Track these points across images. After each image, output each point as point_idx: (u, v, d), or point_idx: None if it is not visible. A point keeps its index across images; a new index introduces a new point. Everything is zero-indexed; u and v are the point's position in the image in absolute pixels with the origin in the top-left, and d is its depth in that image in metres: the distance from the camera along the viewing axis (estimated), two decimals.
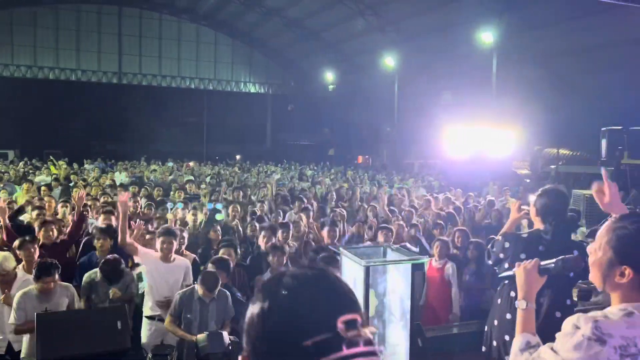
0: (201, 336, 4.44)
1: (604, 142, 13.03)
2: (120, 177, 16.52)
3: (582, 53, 20.24)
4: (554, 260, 2.02)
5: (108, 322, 4.50)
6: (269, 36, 35.44)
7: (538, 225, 3.79)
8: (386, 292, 4.44)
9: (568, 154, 21.69)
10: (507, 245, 3.74)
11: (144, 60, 35.85)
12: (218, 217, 7.53)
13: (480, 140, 17.02)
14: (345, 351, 0.87)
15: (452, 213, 9.09)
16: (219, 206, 7.69)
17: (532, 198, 3.90)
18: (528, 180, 19.75)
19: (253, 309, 0.97)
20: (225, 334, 4.43)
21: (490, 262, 3.97)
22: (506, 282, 3.82)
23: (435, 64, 25.28)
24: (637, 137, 12.63)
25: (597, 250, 1.73)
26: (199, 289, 4.70)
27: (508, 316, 3.71)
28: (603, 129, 13.24)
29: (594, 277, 1.75)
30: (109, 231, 5.77)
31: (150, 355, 4.49)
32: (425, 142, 25.23)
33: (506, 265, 3.70)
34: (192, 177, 16.51)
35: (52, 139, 30.75)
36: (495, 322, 3.84)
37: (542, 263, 2.03)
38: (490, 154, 17.10)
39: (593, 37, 18.94)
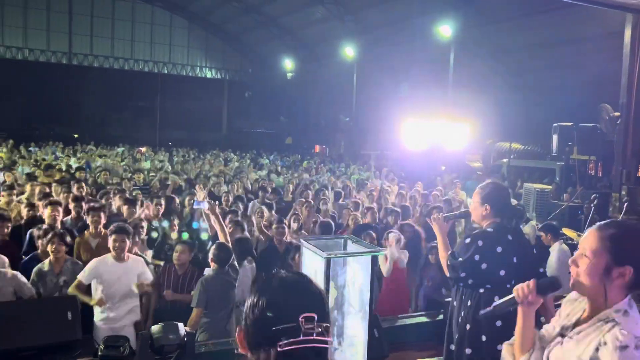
0: (156, 327, 4.34)
1: (555, 138, 13.39)
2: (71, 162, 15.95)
3: (537, 49, 20.76)
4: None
5: (58, 312, 4.33)
6: (226, 21, 34.85)
7: (489, 220, 3.65)
8: (346, 284, 4.44)
9: (520, 148, 22.24)
10: (480, 243, 3.54)
11: (96, 41, 34.64)
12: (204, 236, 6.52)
13: (436, 133, 17.22)
14: (301, 338, 1.22)
15: (407, 206, 9.20)
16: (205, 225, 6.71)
17: (476, 198, 3.70)
18: (480, 173, 20.19)
19: (250, 299, 1.33)
20: (180, 325, 4.34)
21: (462, 274, 3.58)
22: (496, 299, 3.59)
23: (394, 55, 25.45)
24: (585, 134, 13.04)
25: (591, 258, 1.85)
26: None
27: (498, 323, 3.47)
28: (554, 124, 13.59)
29: (589, 284, 1.86)
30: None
31: (101, 346, 4.36)
32: (382, 133, 25.41)
33: (484, 266, 3.49)
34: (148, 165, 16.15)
35: None
36: (484, 338, 3.56)
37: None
38: (445, 147, 17.35)
39: (547, 34, 19.46)
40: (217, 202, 5.93)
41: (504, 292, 3.41)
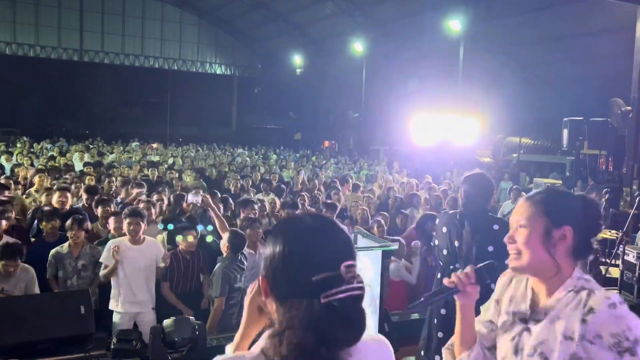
0: (168, 321, 4.38)
1: (565, 132, 13.31)
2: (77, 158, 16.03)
3: (547, 43, 20.61)
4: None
5: (71, 306, 4.39)
6: (235, 17, 34.87)
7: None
8: None
9: (530, 142, 22.11)
10: (437, 221, 3.96)
11: (107, 37, 34.82)
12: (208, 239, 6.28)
13: (446, 128, 17.20)
14: (343, 287, 1.16)
15: (417, 194, 9.22)
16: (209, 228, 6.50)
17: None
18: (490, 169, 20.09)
19: (274, 247, 1.24)
20: (192, 319, 4.39)
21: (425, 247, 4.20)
22: (438, 276, 3.86)
23: (403, 50, 25.36)
24: (596, 128, 12.96)
25: (528, 228, 1.73)
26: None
27: (443, 311, 3.69)
28: (565, 119, 13.51)
29: (533, 254, 1.71)
30: (57, 214, 5.68)
31: (114, 340, 4.41)
32: (391, 128, 25.36)
33: (436, 242, 3.88)
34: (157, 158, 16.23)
35: (9, 118, 29.66)
36: (435, 321, 3.79)
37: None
38: (455, 142, 17.32)
39: (558, 28, 19.29)
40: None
41: (447, 272, 3.64)
